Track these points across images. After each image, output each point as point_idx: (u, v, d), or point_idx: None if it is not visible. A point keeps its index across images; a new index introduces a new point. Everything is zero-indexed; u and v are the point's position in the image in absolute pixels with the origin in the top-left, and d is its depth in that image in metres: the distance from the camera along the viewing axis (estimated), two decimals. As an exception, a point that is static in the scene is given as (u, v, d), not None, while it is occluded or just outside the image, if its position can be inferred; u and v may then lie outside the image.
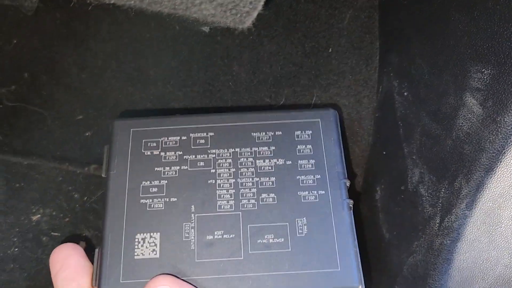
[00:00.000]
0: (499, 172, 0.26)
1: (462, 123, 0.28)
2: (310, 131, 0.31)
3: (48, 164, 0.38)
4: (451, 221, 0.28)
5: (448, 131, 0.29)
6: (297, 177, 0.30)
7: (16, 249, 0.35)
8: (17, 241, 0.35)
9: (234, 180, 0.30)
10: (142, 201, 0.29)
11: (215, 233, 0.29)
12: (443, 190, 0.29)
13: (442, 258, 0.29)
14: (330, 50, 0.36)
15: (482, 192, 0.27)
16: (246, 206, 0.30)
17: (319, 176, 0.30)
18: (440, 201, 0.29)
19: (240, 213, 0.29)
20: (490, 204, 0.27)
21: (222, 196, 0.30)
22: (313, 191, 0.30)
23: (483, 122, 0.26)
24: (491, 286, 0.30)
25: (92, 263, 0.29)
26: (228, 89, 0.38)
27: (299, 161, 0.31)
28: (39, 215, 0.36)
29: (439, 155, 0.29)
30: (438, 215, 0.29)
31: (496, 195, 0.27)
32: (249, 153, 0.31)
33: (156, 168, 0.30)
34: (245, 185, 0.30)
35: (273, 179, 0.30)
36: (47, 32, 0.40)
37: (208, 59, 0.38)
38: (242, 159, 0.31)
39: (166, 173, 0.30)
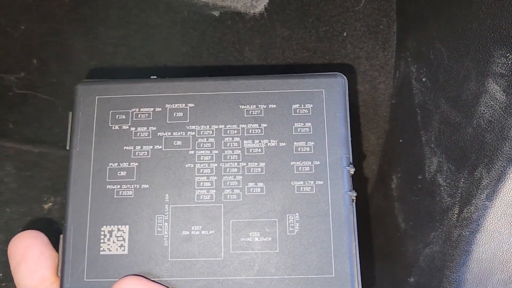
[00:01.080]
0: (523, 161, 0.25)
1: (483, 110, 0.27)
2: (311, 105, 0.26)
3: (59, 152, 0.38)
4: (471, 212, 0.27)
5: (469, 118, 0.27)
6: (292, 162, 0.26)
7: (29, 237, 0.35)
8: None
9: (216, 165, 0.26)
10: (109, 186, 0.26)
11: (192, 228, 0.25)
12: (462, 180, 0.28)
13: (461, 250, 0.28)
14: (345, 34, 0.34)
15: (503, 182, 0.26)
16: (229, 197, 0.25)
17: (318, 162, 0.26)
18: (459, 191, 0.28)
19: (222, 205, 0.25)
20: (512, 195, 0.27)
21: (201, 184, 0.26)
22: (309, 181, 0.25)
23: (507, 110, 0.25)
24: (510, 278, 0.30)
25: (57, 251, 0.26)
26: (239, 75, 0.37)
27: (294, 143, 0.26)
28: (50, 204, 0.36)
29: (459, 144, 0.28)
30: (457, 206, 0.28)
31: (519, 185, 0.26)
32: (235, 131, 0.26)
33: (125, 147, 0.26)
34: (229, 171, 0.26)
35: (262, 164, 0.26)
36: (55, 18, 0.39)
37: (218, 44, 0.37)
38: (227, 138, 0.26)
39: (136, 154, 0.26)
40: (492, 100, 0.26)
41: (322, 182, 0.25)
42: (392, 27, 0.34)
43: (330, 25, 0.34)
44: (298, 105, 0.26)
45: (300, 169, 0.26)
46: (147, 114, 0.26)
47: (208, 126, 0.26)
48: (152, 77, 0.28)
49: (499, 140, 0.26)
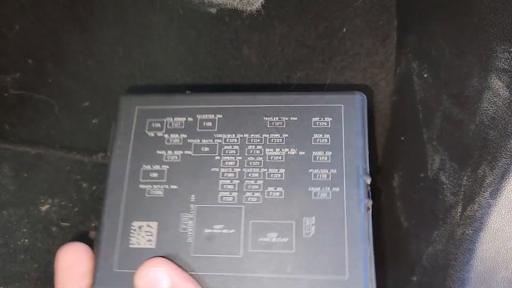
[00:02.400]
0: (527, 158, 0.25)
1: (486, 107, 0.26)
2: (330, 118, 0.28)
3: (56, 153, 0.37)
4: (474, 210, 0.27)
5: (472, 115, 0.27)
6: (310, 170, 0.27)
7: (27, 240, 0.35)
8: (27, 232, 0.35)
9: (239, 170, 0.28)
10: (141, 186, 0.28)
11: (214, 226, 0.27)
12: (465, 178, 0.27)
13: (464, 248, 0.28)
14: (344, 30, 0.34)
15: (507, 180, 0.26)
16: (250, 199, 0.27)
17: (334, 171, 0.27)
18: (462, 190, 0.28)
19: (243, 206, 0.27)
20: (516, 192, 0.26)
21: (225, 187, 0.28)
22: (326, 187, 0.27)
23: (510, 106, 0.25)
24: (515, 276, 0.29)
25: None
26: (238, 74, 0.36)
27: (313, 152, 0.28)
28: (48, 205, 0.36)
29: (462, 141, 0.28)
30: (460, 204, 0.28)
31: (523, 183, 0.26)
32: (258, 140, 0.28)
33: (158, 152, 0.29)
34: (250, 176, 0.28)
35: (282, 171, 0.28)
36: (50, 18, 0.38)
37: (216, 42, 0.36)
38: (250, 146, 0.28)
39: (168, 158, 0.29)
40: (495, 96, 0.26)
41: (338, 189, 0.27)
42: (392, 22, 0.33)
43: (329, 21, 0.34)
44: (318, 118, 0.28)
45: (318, 176, 0.27)
46: (180, 123, 0.29)
47: (233, 135, 0.29)
48: (187, 92, 0.31)
49: (502, 137, 0.25)
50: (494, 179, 0.26)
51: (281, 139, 0.28)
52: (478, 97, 0.26)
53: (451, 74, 0.28)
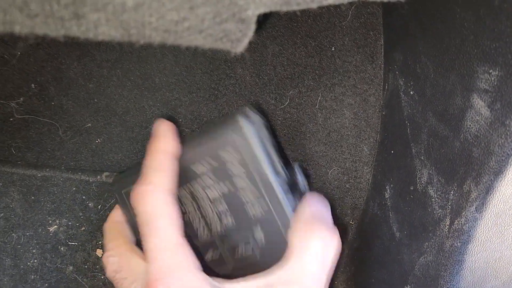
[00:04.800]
0: (509, 175, 0.26)
1: (470, 125, 0.27)
2: (230, 147, 0.29)
3: (62, 175, 0.39)
4: (461, 223, 0.28)
5: (456, 132, 0.28)
6: (240, 197, 0.30)
7: (36, 261, 0.36)
8: (36, 253, 0.36)
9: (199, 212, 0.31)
10: None
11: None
12: (452, 192, 0.28)
13: (453, 260, 0.29)
14: (333, 49, 0.35)
15: (492, 195, 0.26)
16: (216, 226, 0.31)
17: (257, 193, 0.29)
18: (449, 203, 0.29)
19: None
20: (501, 206, 0.27)
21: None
22: (257, 207, 0.30)
23: (492, 125, 0.26)
24: (504, 284, 0.30)
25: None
26: (233, 93, 0.37)
27: (234, 180, 0.30)
28: (55, 226, 0.37)
29: (447, 157, 0.29)
30: (448, 217, 0.29)
31: (507, 196, 0.27)
32: (199, 187, 0.31)
33: None
34: (206, 214, 0.31)
35: (225, 205, 0.31)
36: (50, 42, 0.40)
37: (211, 62, 0.37)
38: (196, 193, 0.31)
39: None
40: (477, 115, 0.26)
41: (266, 207, 0.30)
42: (379, 40, 0.34)
43: (318, 40, 0.35)
44: (222, 151, 0.30)
45: (247, 199, 0.30)
46: None
47: (182, 189, 0.32)
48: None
49: (485, 155, 0.26)
50: (479, 194, 0.27)
51: (211, 180, 0.31)
52: (462, 115, 0.27)
53: (436, 92, 0.29)
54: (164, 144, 0.30)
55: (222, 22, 0.17)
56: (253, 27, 0.17)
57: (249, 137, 0.29)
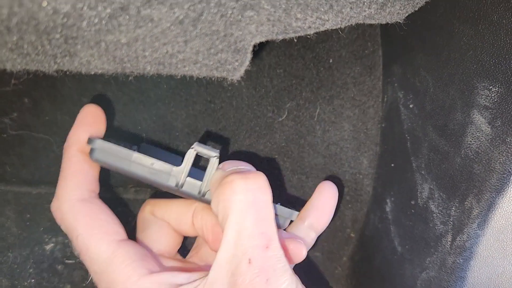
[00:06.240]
0: (511, 193, 0.25)
1: (470, 141, 0.27)
2: None
3: (57, 191, 0.38)
4: (463, 240, 0.28)
5: (457, 148, 0.28)
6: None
7: (33, 280, 0.36)
8: (33, 272, 0.36)
9: None
10: None
11: None
12: (453, 208, 0.28)
13: (456, 276, 0.29)
14: (331, 61, 0.34)
15: (493, 211, 0.26)
16: None
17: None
18: (451, 220, 0.28)
19: None
20: (503, 222, 0.27)
21: None
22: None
23: (492, 142, 0.25)
24: (507, 299, 0.30)
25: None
26: (229, 106, 0.37)
27: None
28: (52, 244, 0.37)
29: (448, 172, 0.28)
30: (450, 233, 0.29)
31: (509, 213, 0.26)
32: None
33: None
34: None
35: None
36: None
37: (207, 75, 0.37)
38: None
39: None
40: (478, 131, 0.26)
41: None
42: (378, 51, 0.34)
43: (315, 52, 0.34)
44: None
45: None
46: None
47: None
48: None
49: (486, 172, 0.26)
50: (481, 211, 0.27)
51: None
52: (462, 131, 0.27)
53: (436, 106, 0.29)
54: (70, 139, 0.30)
55: (217, 53, 0.16)
56: (249, 56, 0.17)
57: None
